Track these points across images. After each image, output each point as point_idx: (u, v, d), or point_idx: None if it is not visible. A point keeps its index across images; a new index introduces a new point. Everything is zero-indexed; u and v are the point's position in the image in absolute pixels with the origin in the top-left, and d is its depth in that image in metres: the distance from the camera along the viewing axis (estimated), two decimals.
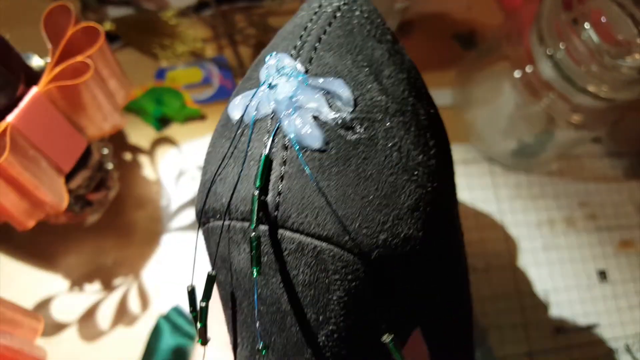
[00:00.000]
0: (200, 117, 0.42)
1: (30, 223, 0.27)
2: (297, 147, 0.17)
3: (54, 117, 0.26)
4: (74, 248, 0.38)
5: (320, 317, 0.17)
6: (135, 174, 0.40)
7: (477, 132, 0.45)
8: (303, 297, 0.17)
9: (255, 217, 0.16)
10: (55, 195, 0.27)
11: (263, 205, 0.17)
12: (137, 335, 0.36)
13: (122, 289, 0.38)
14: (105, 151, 0.33)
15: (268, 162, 0.17)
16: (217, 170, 0.18)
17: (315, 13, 0.19)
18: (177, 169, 0.41)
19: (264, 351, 0.17)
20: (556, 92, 0.38)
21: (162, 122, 0.41)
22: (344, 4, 0.20)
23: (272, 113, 0.17)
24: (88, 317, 0.37)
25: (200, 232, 0.21)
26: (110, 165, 0.34)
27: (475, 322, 0.41)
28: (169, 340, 0.36)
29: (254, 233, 0.16)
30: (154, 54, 0.42)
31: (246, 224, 0.17)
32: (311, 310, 0.17)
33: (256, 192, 0.16)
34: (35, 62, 0.28)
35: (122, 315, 0.37)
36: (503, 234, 0.44)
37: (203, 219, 0.20)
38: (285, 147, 0.17)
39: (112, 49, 0.42)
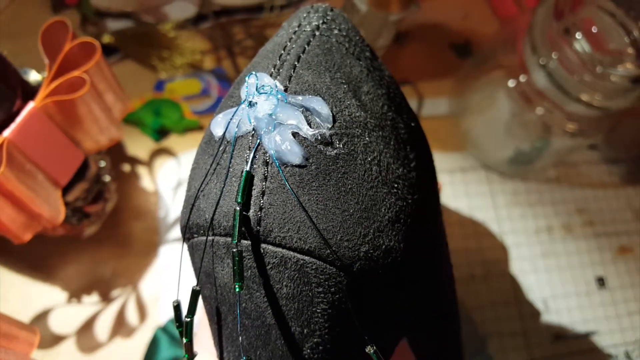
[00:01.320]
0: (199, 128, 0.42)
1: (27, 236, 0.27)
2: (278, 163, 0.17)
3: (50, 131, 0.26)
4: (72, 260, 0.38)
5: (305, 330, 0.17)
6: (133, 185, 0.40)
7: (474, 140, 0.46)
8: (287, 310, 0.17)
9: (237, 232, 0.16)
10: (52, 208, 0.27)
11: (245, 220, 0.17)
12: (135, 347, 0.36)
13: (120, 300, 0.38)
14: (103, 164, 0.33)
15: (249, 177, 0.17)
16: (200, 186, 0.19)
17: (295, 32, 0.20)
18: (175, 179, 0.41)
19: (244, 358, 0.17)
20: (550, 101, 0.38)
21: (160, 133, 0.41)
22: (323, 22, 0.20)
23: (252, 130, 0.18)
24: (86, 329, 0.37)
25: (185, 248, 0.21)
26: (107, 178, 0.34)
27: (474, 330, 0.41)
28: (166, 352, 0.36)
29: (236, 248, 0.16)
30: (152, 66, 0.43)
31: (229, 239, 0.18)
32: (295, 323, 0.17)
33: (238, 208, 0.17)
34: (33, 76, 0.29)
35: (120, 326, 0.37)
36: (501, 241, 0.44)
37: (187, 234, 0.20)
38: (266, 163, 0.17)
39: (111, 62, 0.43)
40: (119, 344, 0.36)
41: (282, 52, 0.19)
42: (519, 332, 0.41)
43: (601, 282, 0.44)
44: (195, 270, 0.20)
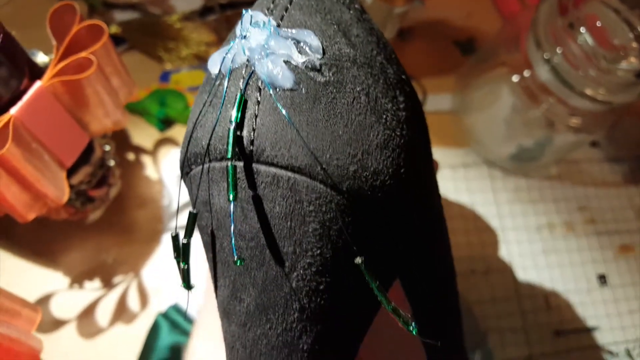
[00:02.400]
0: None
1: (31, 215, 0.28)
2: (270, 87, 0.18)
3: (56, 111, 0.27)
4: (75, 245, 0.38)
5: (297, 250, 0.18)
6: (137, 174, 0.41)
7: (477, 137, 0.46)
8: (280, 229, 0.18)
9: (230, 148, 0.17)
10: (57, 188, 0.28)
11: (239, 140, 0.18)
12: (136, 333, 0.37)
13: (122, 286, 0.38)
14: (107, 148, 0.34)
15: (243, 101, 0.18)
16: (197, 118, 0.19)
17: None
18: (179, 169, 0.41)
19: (240, 262, 0.18)
20: (554, 96, 0.38)
21: (165, 123, 0.42)
22: None
23: (246, 61, 0.18)
24: (87, 314, 0.37)
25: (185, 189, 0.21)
26: (112, 162, 0.34)
27: (475, 325, 0.41)
28: (167, 338, 0.36)
29: (230, 163, 0.17)
30: (158, 56, 0.43)
31: (224, 163, 0.18)
32: (288, 243, 0.18)
33: (232, 126, 0.17)
34: (40, 58, 0.29)
35: (121, 313, 0.37)
36: (503, 237, 0.44)
37: (185, 168, 0.20)
38: (259, 89, 0.18)
39: (118, 52, 0.43)
40: (120, 330, 0.37)
41: None
42: (520, 327, 0.41)
43: (602, 279, 0.44)
44: (193, 202, 0.21)
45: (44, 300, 0.37)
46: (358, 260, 0.18)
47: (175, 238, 0.20)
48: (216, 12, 0.45)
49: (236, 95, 0.18)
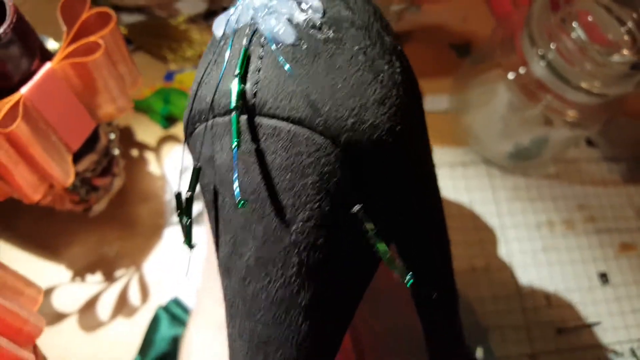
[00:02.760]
0: None
1: (37, 196, 0.28)
2: (272, 42, 0.18)
3: (65, 93, 0.28)
4: (78, 239, 0.39)
5: (297, 203, 0.18)
6: (141, 169, 0.41)
7: (475, 136, 0.46)
8: (280, 181, 0.18)
9: (234, 99, 0.18)
10: (63, 170, 0.28)
11: (242, 93, 0.18)
12: (137, 326, 0.37)
13: (123, 280, 0.38)
14: (112, 136, 0.35)
15: (247, 55, 0.18)
16: (202, 77, 0.20)
17: None
18: (181, 165, 0.42)
19: (243, 204, 0.18)
20: (550, 91, 0.39)
21: (168, 120, 0.43)
22: None
23: (250, 20, 0.19)
24: (89, 307, 0.37)
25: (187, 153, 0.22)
26: (116, 151, 0.35)
27: (475, 322, 0.41)
28: (167, 331, 0.36)
29: (234, 113, 0.18)
30: (163, 57, 0.44)
31: (227, 117, 0.19)
32: (288, 195, 0.18)
33: (236, 79, 0.18)
34: (51, 45, 0.30)
35: (123, 306, 0.37)
36: (502, 235, 0.44)
37: (190, 127, 0.21)
38: (262, 45, 0.19)
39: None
40: (121, 323, 0.37)
41: None
42: (521, 325, 0.41)
43: (604, 278, 0.44)
44: (196, 159, 0.21)
45: (47, 293, 0.37)
46: (356, 208, 0.18)
47: (178, 196, 0.20)
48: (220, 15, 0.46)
49: (239, 51, 0.19)
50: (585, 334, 0.42)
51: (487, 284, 0.42)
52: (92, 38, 0.27)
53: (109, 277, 0.38)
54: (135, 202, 0.40)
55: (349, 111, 0.18)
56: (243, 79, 0.18)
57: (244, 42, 0.19)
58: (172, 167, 0.42)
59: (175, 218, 0.40)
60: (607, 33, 0.37)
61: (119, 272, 0.38)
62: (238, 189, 0.18)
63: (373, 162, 0.19)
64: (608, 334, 0.42)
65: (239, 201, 0.18)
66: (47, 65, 0.26)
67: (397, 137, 0.20)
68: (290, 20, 0.19)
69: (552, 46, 0.37)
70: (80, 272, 0.38)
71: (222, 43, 0.20)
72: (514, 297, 0.42)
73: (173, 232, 0.40)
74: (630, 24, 0.37)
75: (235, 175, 0.18)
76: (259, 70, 0.18)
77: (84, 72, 0.28)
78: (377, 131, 0.19)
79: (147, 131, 0.42)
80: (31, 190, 0.28)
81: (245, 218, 0.19)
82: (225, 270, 0.21)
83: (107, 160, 0.34)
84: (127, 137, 0.42)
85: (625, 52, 0.36)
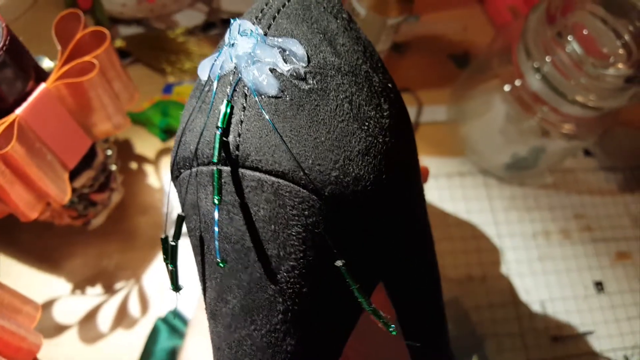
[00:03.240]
0: None
1: (34, 215, 0.29)
2: (255, 93, 0.18)
3: (60, 112, 0.28)
4: (78, 252, 0.39)
5: (281, 253, 0.18)
6: (140, 182, 0.42)
7: (472, 146, 0.47)
8: (264, 232, 0.18)
9: (216, 153, 0.18)
10: (59, 188, 0.29)
11: (225, 145, 0.18)
12: (136, 337, 0.37)
13: (123, 292, 0.39)
14: (109, 153, 0.35)
15: (229, 106, 0.18)
16: (186, 124, 0.20)
17: None
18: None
19: (223, 264, 0.18)
20: (546, 104, 0.39)
21: (167, 132, 0.43)
22: None
23: (234, 69, 0.19)
24: (89, 319, 0.37)
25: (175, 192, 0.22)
26: (113, 167, 0.36)
27: (471, 330, 0.41)
28: (166, 342, 0.37)
29: (215, 167, 0.18)
30: (162, 69, 0.45)
31: (211, 167, 0.19)
32: (272, 246, 0.18)
33: (218, 132, 0.18)
34: (46, 64, 0.30)
35: (122, 318, 0.38)
36: (499, 244, 0.44)
37: (175, 172, 0.21)
38: (245, 95, 0.19)
39: (123, 65, 0.44)
40: (121, 335, 0.37)
41: (264, 7, 0.21)
42: (517, 333, 0.42)
43: (599, 286, 0.44)
44: (181, 205, 0.21)
45: (47, 306, 0.37)
46: (339, 263, 0.18)
47: (164, 240, 0.20)
48: (218, 26, 0.46)
49: (223, 100, 0.19)
50: (581, 342, 0.42)
51: (483, 292, 0.43)
52: (86, 58, 0.28)
53: (109, 289, 0.38)
54: (134, 214, 0.41)
55: (332, 164, 0.18)
56: (226, 131, 0.18)
57: (228, 90, 0.19)
58: (170, 178, 0.42)
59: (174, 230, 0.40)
60: (603, 46, 0.37)
61: (118, 284, 0.39)
62: (218, 249, 0.18)
63: (357, 212, 0.19)
64: (603, 342, 0.42)
65: (220, 261, 0.18)
66: (42, 86, 0.27)
67: (382, 186, 0.20)
68: (273, 70, 0.19)
69: (548, 59, 0.37)
70: (80, 285, 0.38)
71: (206, 89, 0.20)
72: (510, 306, 0.43)
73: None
74: (626, 37, 0.37)
75: (216, 233, 0.18)
76: (241, 122, 0.18)
77: (79, 91, 0.28)
78: (361, 182, 0.19)
79: (145, 144, 0.43)
80: (28, 209, 0.28)
81: (230, 266, 0.19)
82: (212, 315, 0.21)
83: (104, 176, 0.34)
84: (125, 150, 0.42)
85: (620, 65, 0.36)
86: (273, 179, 0.18)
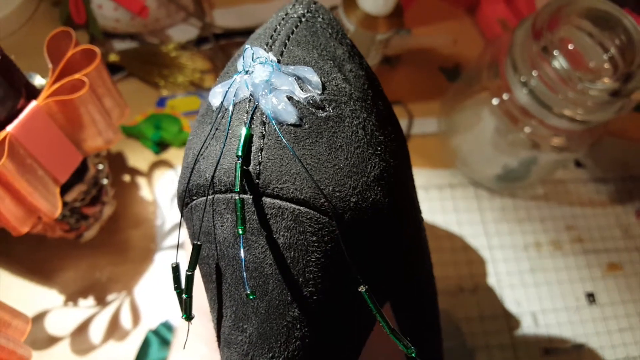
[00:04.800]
0: None
1: (24, 229, 0.29)
2: (274, 121, 0.19)
3: (51, 129, 0.28)
4: (70, 264, 0.39)
5: (300, 279, 0.19)
6: (132, 195, 0.42)
7: (462, 158, 0.47)
8: (283, 260, 0.18)
9: (238, 182, 0.18)
10: (49, 203, 0.29)
11: (246, 174, 0.18)
12: (128, 349, 0.37)
13: (114, 304, 0.39)
14: (101, 167, 0.35)
15: (249, 134, 0.18)
16: (200, 150, 0.20)
17: (283, 19, 0.22)
18: (173, 190, 0.43)
19: (252, 295, 0.18)
20: (534, 117, 0.39)
21: (160, 145, 0.43)
22: (308, 11, 0.22)
23: (249, 96, 0.19)
24: (80, 331, 0.38)
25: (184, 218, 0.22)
26: (105, 181, 0.36)
27: (462, 342, 0.41)
28: (156, 354, 0.37)
29: (238, 196, 0.18)
30: (155, 83, 0.45)
31: (229, 195, 0.19)
32: (291, 272, 0.19)
33: (239, 161, 0.18)
34: (38, 81, 0.31)
35: (114, 330, 0.38)
36: (490, 255, 0.45)
37: (187, 199, 0.21)
38: (264, 123, 0.19)
39: (117, 79, 0.45)
40: (112, 347, 0.37)
41: (273, 33, 0.21)
42: (508, 345, 0.42)
43: (591, 298, 0.44)
44: (194, 232, 0.21)
45: (39, 317, 0.38)
46: (362, 288, 0.18)
47: (175, 269, 0.21)
48: (211, 41, 0.47)
49: (241, 128, 0.19)
50: (573, 354, 0.42)
51: (474, 304, 0.43)
52: (76, 75, 0.28)
53: (101, 301, 0.39)
54: (127, 227, 0.41)
55: (351, 190, 0.19)
56: (246, 159, 0.18)
57: (245, 119, 0.19)
58: (163, 191, 0.43)
59: (166, 242, 0.41)
60: (589, 60, 0.38)
61: (110, 297, 0.39)
62: (246, 281, 0.18)
63: (375, 236, 0.20)
64: (594, 354, 0.42)
65: (250, 293, 0.18)
66: (33, 103, 0.27)
67: (396, 210, 0.20)
68: (290, 98, 0.19)
69: (534, 74, 0.37)
70: (72, 297, 0.39)
71: (219, 115, 0.20)
72: (501, 318, 0.43)
73: (164, 257, 0.41)
74: (612, 51, 0.38)
75: (243, 263, 0.18)
76: (261, 150, 0.18)
77: (70, 108, 0.28)
78: (378, 206, 0.19)
79: (138, 157, 0.43)
80: (19, 224, 0.29)
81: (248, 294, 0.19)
82: (226, 343, 0.21)
83: (96, 189, 0.35)
84: (118, 162, 0.43)
85: (606, 80, 0.36)
86: (294, 206, 0.18)
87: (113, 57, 0.44)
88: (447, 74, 0.52)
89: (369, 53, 0.42)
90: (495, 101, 0.41)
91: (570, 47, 0.37)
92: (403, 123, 0.49)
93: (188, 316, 0.20)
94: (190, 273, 0.19)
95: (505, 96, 0.40)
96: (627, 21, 0.37)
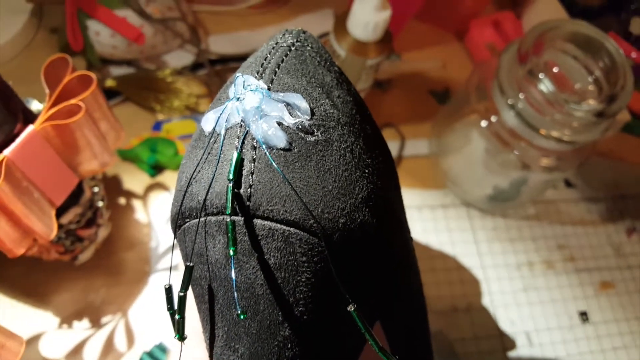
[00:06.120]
0: None
1: (20, 251, 0.29)
2: (265, 146, 0.19)
3: (47, 153, 0.29)
4: (65, 286, 0.40)
5: (291, 299, 0.19)
6: (128, 217, 0.43)
7: (454, 179, 0.48)
8: (274, 279, 0.19)
9: (230, 204, 0.18)
10: (45, 225, 0.30)
11: (237, 196, 0.19)
12: None
13: (109, 326, 0.39)
14: (96, 190, 0.36)
15: (240, 159, 0.19)
16: (192, 174, 0.21)
17: (274, 47, 0.23)
18: (167, 212, 0.43)
19: (243, 315, 0.19)
20: (522, 139, 0.40)
21: (155, 169, 0.44)
22: (297, 40, 0.23)
23: (241, 122, 0.20)
24: (75, 354, 0.38)
25: (176, 241, 0.23)
26: (100, 204, 0.36)
27: None
28: None
29: (229, 218, 0.18)
30: (151, 108, 0.46)
31: (221, 217, 0.19)
32: (282, 292, 0.19)
33: (230, 184, 0.19)
34: (35, 106, 0.32)
35: (109, 352, 0.38)
36: (483, 275, 0.45)
37: (179, 221, 0.21)
38: (254, 148, 0.19)
39: (113, 104, 0.46)
40: None
41: (264, 62, 0.22)
42: None
43: (584, 316, 0.45)
44: (186, 254, 0.21)
45: (34, 340, 0.38)
46: (350, 307, 0.19)
47: (168, 290, 0.21)
48: (206, 67, 0.48)
49: (232, 153, 0.19)
50: None
51: (468, 324, 0.43)
52: (73, 101, 0.29)
53: (95, 324, 0.39)
54: (122, 249, 0.41)
55: (339, 212, 0.19)
56: (237, 182, 0.19)
57: (236, 143, 0.19)
58: (158, 214, 0.43)
59: (160, 265, 0.41)
60: (575, 83, 0.39)
61: (105, 319, 0.39)
62: (237, 300, 0.19)
63: (363, 255, 0.20)
64: None
65: (240, 313, 0.18)
66: (30, 128, 0.28)
67: (383, 228, 0.21)
68: (280, 124, 0.20)
69: (521, 96, 0.38)
70: (67, 319, 0.39)
71: (212, 140, 0.21)
72: (495, 337, 0.43)
73: (158, 279, 0.41)
74: (597, 73, 0.39)
75: (234, 284, 0.19)
76: (252, 174, 0.19)
77: (66, 132, 0.29)
78: (366, 228, 0.20)
79: (134, 180, 0.44)
80: (14, 245, 0.29)
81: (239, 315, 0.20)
82: None
83: (91, 212, 0.35)
84: (114, 185, 0.43)
85: (591, 101, 0.37)
86: (284, 227, 0.19)
87: (110, 83, 0.45)
88: (437, 97, 0.53)
89: (360, 77, 0.43)
90: (484, 123, 0.42)
91: (556, 70, 0.38)
92: (395, 145, 0.50)
93: (181, 336, 0.21)
94: (182, 294, 0.20)
95: (493, 118, 0.41)
96: (609, 45, 0.38)
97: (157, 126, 0.46)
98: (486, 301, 0.44)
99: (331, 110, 0.21)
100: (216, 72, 0.49)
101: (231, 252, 0.18)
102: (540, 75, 0.37)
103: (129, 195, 0.43)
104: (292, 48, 0.23)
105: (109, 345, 0.38)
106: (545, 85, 0.37)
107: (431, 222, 0.47)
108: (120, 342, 0.38)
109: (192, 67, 0.48)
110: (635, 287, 0.47)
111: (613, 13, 0.54)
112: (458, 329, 0.43)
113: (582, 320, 0.45)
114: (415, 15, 0.52)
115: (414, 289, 0.26)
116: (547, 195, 0.50)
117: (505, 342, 0.43)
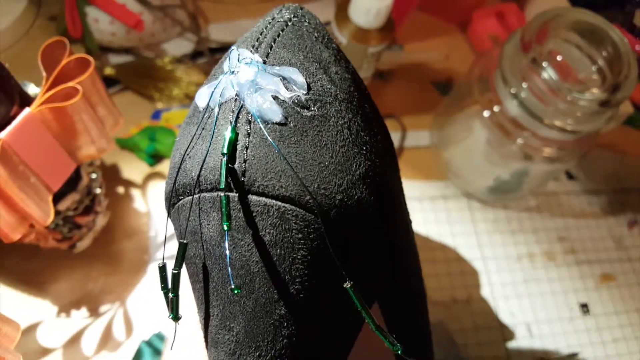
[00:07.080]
0: None
1: (16, 236, 0.29)
2: (259, 120, 0.19)
3: (44, 137, 0.29)
4: (63, 275, 0.39)
5: (287, 277, 0.19)
6: (126, 206, 0.42)
7: (455, 171, 0.47)
8: (270, 257, 0.19)
9: (223, 179, 0.18)
10: (42, 210, 0.29)
11: (231, 171, 0.18)
12: None
13: (108, 315, 0.39)
14: (94, 176, 0.36)
15: (234, 133, 0.19)
16: (186, 150, 0.20)
17: (270, 22, 0.22)
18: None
19: (237, 290, 0.18)
20: (525, 128, 0.40)
21: (154, 157, 0.44)
22: (295, 16, 0.23)
23: (235, 96, 0.19)
24: (73, 343, 0.37)
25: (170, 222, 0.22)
26: (98, 190, 0.36)
27: (456, 353, 0.41)
28: None
29: (223, 194, 0.18)
30: (150, 96, 0.46)
31: (215, 194, 0.19)
32: (278, 270, 0.19)
33: (224, 159, 0.18)
34: (32, 89, 0.31)
35: (107, 341, 0.38)
36: (483, 266, 0.45)
37: (173, 199, 0.21)
38: (249, 122, 0.19)
39: (112, 92, 0.46)
40: (105, 358, 0.37)
41: (260, 36, 0.21)
42: (503, 356, 0.41)
43: (585, 308, 0.44)
44: (180, 232, 0.21)
45: (32, 329, 0.38)
46: (347, 284, 0.18)
47: (162, 269, 0.21)
48: (206, 55, 0.48)
49: (226, 127, 0.19)
50: None
51: (468, 315, 0.43)
52: (70, 83, 0.29)
53: (94, 312, 0.39)
54: (120, 238, 0.41)
55: (336, 188, 0.19)
56: (231, 157, 0.18)
57: (231, 118, 0.19)
58: (157, 203, 0.43)
59: (159, 254, 0.41)
60: (578, 72, 0.38)
61: (103, 308, 0.39)
62: (231, 275, 0.18)
63: (360, 233, 0.20)
64: None
65: (234, 287, 0.18)
66: (26, 111, 0.28)
67: (380, 206, 0.20)
68: (276, 98, 0.19)
69: (524, 85, 0.38)
70: (65, 308, 0.39)
71: (206, 115, 0.20)
72: (495, 329, 0.43)
73: (157, 268, 0.40)
74: (600, 62, 0.38)
75: (228, 260, 0.18)
76: (246, 148, 0.19)
77: (63, 116, 0.29)
78: (363, 205, 0.20)
79: (133, 169, 0.43)
80: (10, 230, 0.29)
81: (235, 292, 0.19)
82: (213, 343, 0.21)
83: (89, 199, 0.35)
84: (113, 174, 0.43)
85: (595, 90, 0.37)
86: (279, 203, 0.18)
87: (109, 71, 0.45)
88: (439, 87, 0.53)
89: (362, 66, 0.42)
90: (486, 114, 0.42)
91: (559, 58, 0.37)
92: (396, 136, 0.49)
93: (175, 316, 0.20)
94: (176, 271, 0.19)
95: (496, 108, 0.41)
96: (613, 33, 0.38)
97: (157, 115, 0.46)
98: (486, 292, 0.44)
99: (328, 86, 0.20)
100: (216, 60, 0.48)
101: (225, 227, 0.18)
102: (544, 64, 0.37)
103: (128, 184, 0.43)
104: (289, 23, 0.22)
105: (107, 335, 0.38)
106: (549, 74, 0.36)
107: (432, 213, 0.47)
108: (118, 331, 0.38)
109: (192, 56, 0.48)
110: (636, 280, 0.46)
111: (617, 5, 0.53)
112: (458, 320, 0.42)
113: (583, 312, 0.44)
114: (418, 6, 0.51)
115: (412, 270, 0.26)
116: (548, 187, 0.50)
117: (506, 333, 0.42)
